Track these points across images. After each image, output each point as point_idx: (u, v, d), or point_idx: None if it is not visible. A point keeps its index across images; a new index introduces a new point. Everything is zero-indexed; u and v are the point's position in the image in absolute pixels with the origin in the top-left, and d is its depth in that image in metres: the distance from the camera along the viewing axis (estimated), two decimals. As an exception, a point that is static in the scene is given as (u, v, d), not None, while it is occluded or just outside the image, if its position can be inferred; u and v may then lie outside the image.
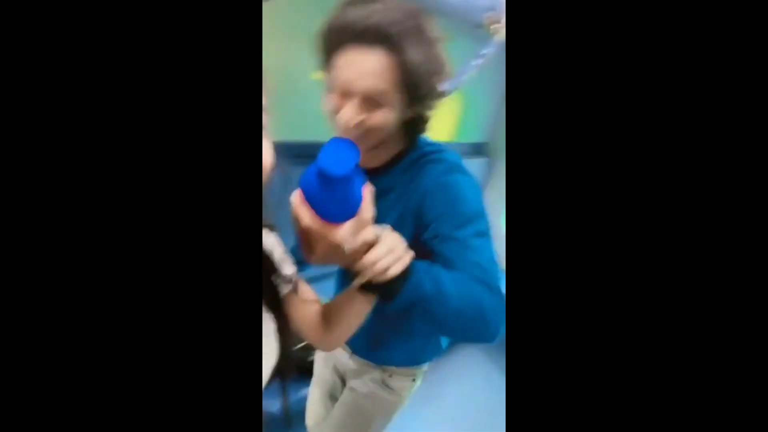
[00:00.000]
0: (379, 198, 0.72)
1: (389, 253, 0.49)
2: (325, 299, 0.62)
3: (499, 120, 2.27)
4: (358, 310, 0.56)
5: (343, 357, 0.97)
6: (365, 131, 0.63)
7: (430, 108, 0.69)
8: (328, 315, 0.59)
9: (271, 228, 0.51)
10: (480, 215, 0.66)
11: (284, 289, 0.51)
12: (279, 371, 0.47)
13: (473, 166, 2.19)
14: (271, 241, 0.50)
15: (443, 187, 0.67)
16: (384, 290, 0.52)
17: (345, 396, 1.00)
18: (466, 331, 0.60)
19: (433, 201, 0.67)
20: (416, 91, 0.63)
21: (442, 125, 2.04)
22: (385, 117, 0.63)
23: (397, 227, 0.71)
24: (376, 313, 0.57)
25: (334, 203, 0.45)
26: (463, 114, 2.09)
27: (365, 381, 0.93)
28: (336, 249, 0.46)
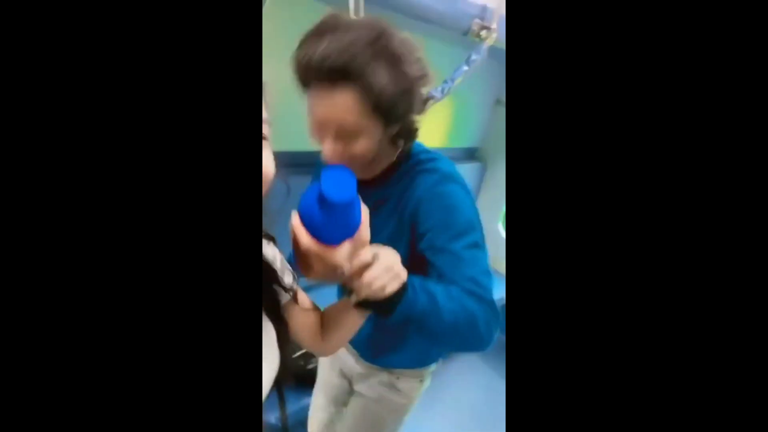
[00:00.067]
0: (375, 209, 0.73)
1: (386, 272, 0.51)
2: (324, 305, 0.63)
3: (491, 125, 2.29)
4: (354, 322, 0.58)
5: (349, 361, 0.97)
6: (350, 160, 0.64)
7: (414, 119, 0.68)
8: (325, 324, 0.60)
9: (271, 239, 0.52)
10: (473, 226, 0.67)
11: (284, 299, 0.51)
12: (277, 380, 0.48)
13: (466, 171, 2.21)
14: (272, 252, 0.51)
15: (437, 198, 0.68)
16: (380, 307, 0.53)
17: (354, 402, 1.00)
18: (459, 342, 0.62)
19: (426, 212, 0.68)
20: (392, 111, 0.61)
21: (434, 131, 2.06)
22: (366, 144, 0.64)
23: (394, 237, 0.72)
24: (381, 318, 0.58)
25: (333, 227, 0.46)
26: (455, 119, 2.10)
27: (373, 385, 0.93)
28: (333, 270, 0.47)
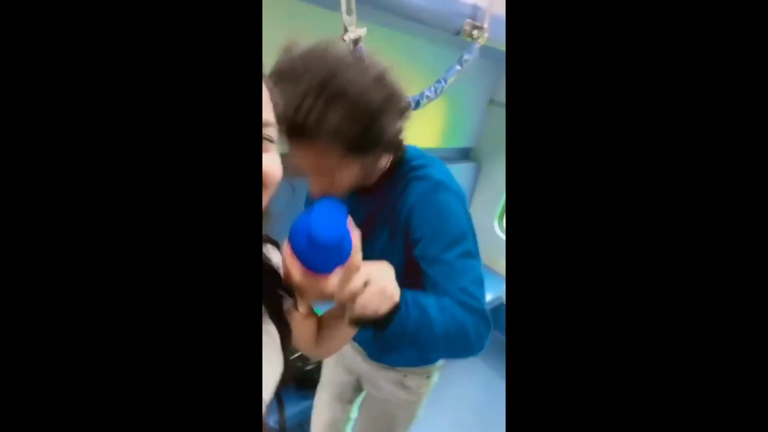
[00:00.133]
0: (369, 218, 0.74)
1: (378, 296, 0.52)
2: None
3: (485, 125, 2.30)
4: (347, 332, 0.60)
5: (357, 360, 0.98)
6: (338, 189, 0.66)
7: (396, 133, 0.66)
8: (320, 330, 0.62)
9: (276, 244, 0.53)
10: (465, 235, 0.68)
11: (286, 304, 0.52)
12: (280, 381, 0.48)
13: (460, 171, 2.22)
14: (276, 257, 0.51)
15: (429, 207, 0.68)
16: (373, 324, 0.55)
17: (365, 403, 1.03)
18: (449, 352, 0.65)
19: (419, 220, 0.68)
20: (364, 146, 0.61)
21: (429, 131, 2.06)
22: (349, 174, 0.65)
23: (389, 245, 0.73)
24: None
25: (324, 259, 0.46)
26: (449, 119, 2.11)
27: (382, 383, 0.95)
28: (326, 296, 0.49)
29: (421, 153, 0.76)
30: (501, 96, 2.22)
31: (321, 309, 0.64)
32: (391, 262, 0.54)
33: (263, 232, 0.47)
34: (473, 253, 0.67)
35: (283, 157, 0.41)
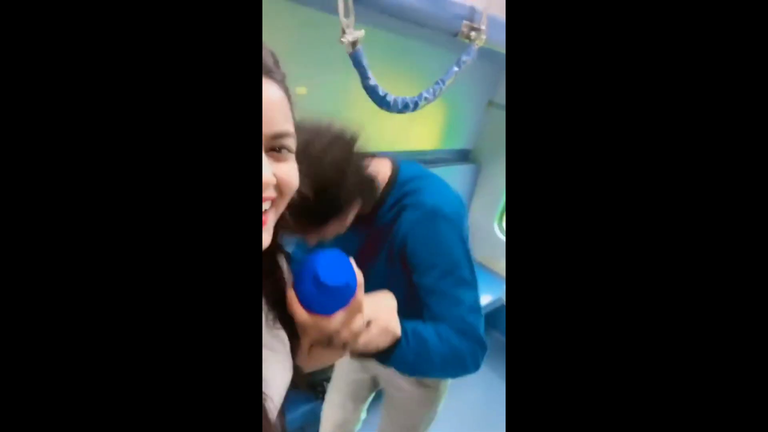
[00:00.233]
0: (366, 248, 0.76)
1: (380, 335, 0.55)
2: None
3: (484, 126, 2.30)
4: (340, 353, 0.60)
5: (372, 360, 0.98)
6: (330, 236, 0.69)
7: (359, 183, 0.67)
8: (311, 350, 0.62)
9: (287, 256, 0.53)
10: (459, 263, 0.70)
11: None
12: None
13: (460, 172, 2.22)
14: (287, 268, 0.52)
15: (421, 239, 0.70)
16: (375, 357, 0.58)
17: (386, 404, 1.05)
18: (447, 374, 0.73)
19: (413, 251, 0.71)
20: (329, 215, 0.64)
21: (428, 133, 2.06)
22: (335, 227, 0.68)
23: (389, 268, 0.74)
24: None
25: (328, 302, 0.47)
26: (448, 121, 2.11)
27: (400, 383, 0.97)
28: (328, 336, 0.50)
29: (415, 172, 0.77)
30: (499, 98, 2.22)
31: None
32: (393, 285, 0.57)
33: (277, 241, 0.47)
34: (468, 280, 0.70)
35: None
